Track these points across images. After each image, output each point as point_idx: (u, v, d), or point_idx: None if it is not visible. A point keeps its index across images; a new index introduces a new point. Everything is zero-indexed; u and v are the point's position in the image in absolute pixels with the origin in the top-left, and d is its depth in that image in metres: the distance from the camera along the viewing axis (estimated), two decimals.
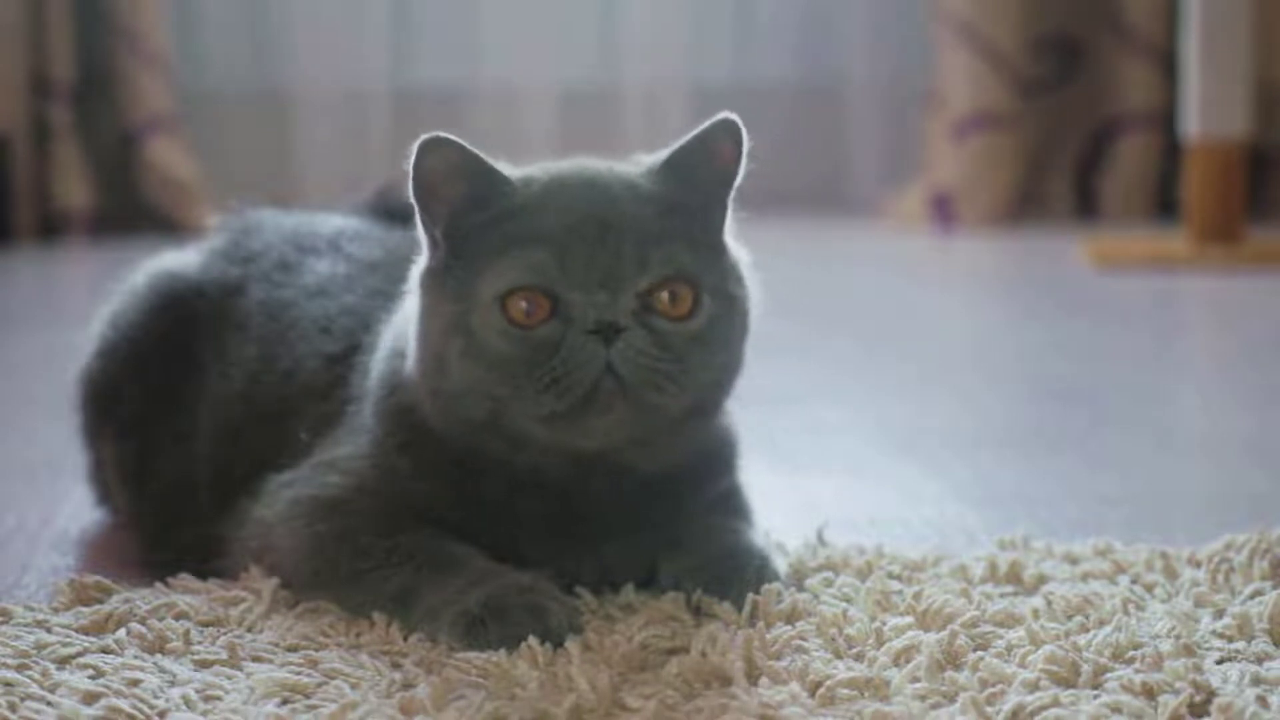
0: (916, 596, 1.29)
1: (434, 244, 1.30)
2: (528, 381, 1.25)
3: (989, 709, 1.09)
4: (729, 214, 1.33)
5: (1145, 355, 2.80)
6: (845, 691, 1.13)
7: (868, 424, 2.20)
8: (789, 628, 1.24)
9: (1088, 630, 1.23)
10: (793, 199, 4.87)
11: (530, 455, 1.29)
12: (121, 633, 1.24)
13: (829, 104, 5.10)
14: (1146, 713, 1.09)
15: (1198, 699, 1.10)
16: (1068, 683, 1.14)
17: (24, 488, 1.81)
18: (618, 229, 1.26)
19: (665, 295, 1.27)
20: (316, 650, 1.22)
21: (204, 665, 1.20)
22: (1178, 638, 1.21)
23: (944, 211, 4.63)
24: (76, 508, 1.68)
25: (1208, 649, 1.21)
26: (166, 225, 4.37)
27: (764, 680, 1.15)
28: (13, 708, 1.10)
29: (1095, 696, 1.11)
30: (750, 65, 5.09)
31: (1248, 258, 3.70)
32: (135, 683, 1.15)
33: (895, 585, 1.34)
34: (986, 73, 4.66)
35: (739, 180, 1.32)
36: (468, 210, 1.28)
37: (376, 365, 1.37)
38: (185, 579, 1.36)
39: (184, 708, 1.12)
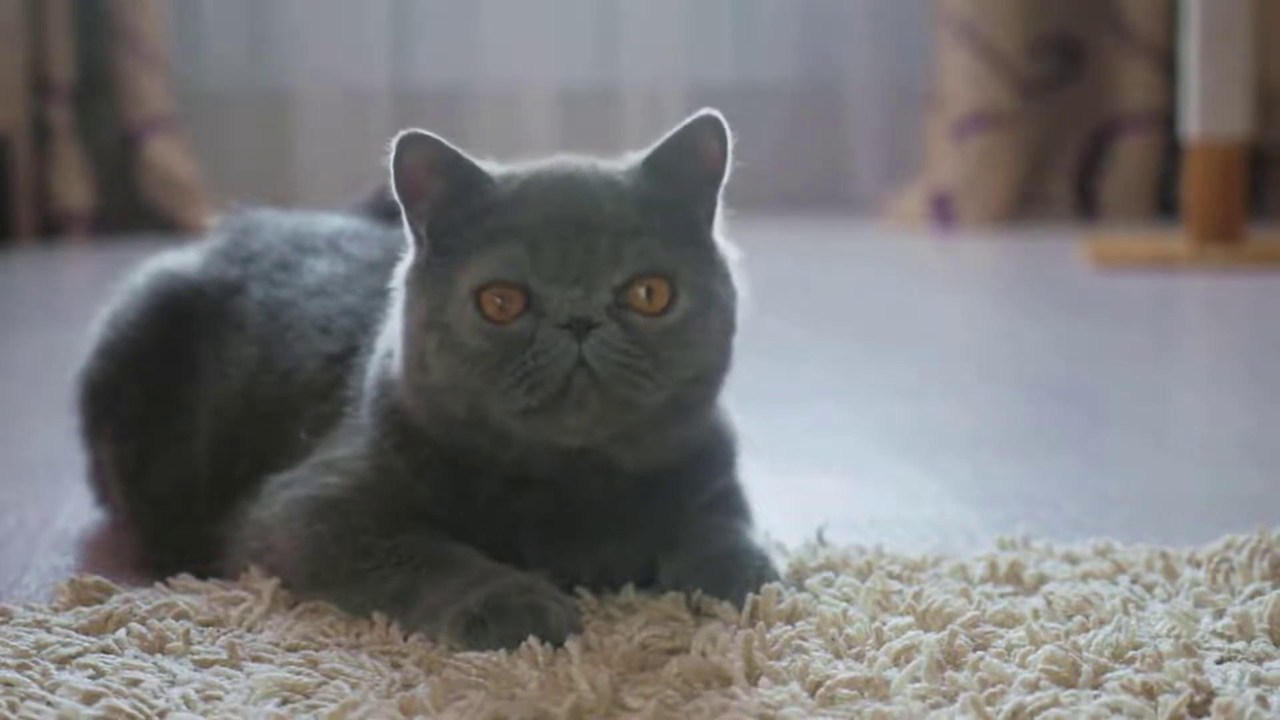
0: (916, 596, 1.29)
1: (419, 241, 1.31)
2: (501, 376, 1.25)
3: (989, 709, 1.09)
4: (717, 212, 1.33)
5: (1145, 355, 2.80)
6: (845, 691, 1.13)
7: (868, 424, 2.20)
8: (789, 628, 1.24)
9: (1088, 630, 1.23)
10: (793, 199, 4.87)
11: (515, 452, 1.29)
12: (121, 633, 1.24)
13: (829, 104, 5.10)
14: (1146, 713, 1.09)
15: (1198, 699, 1.10)
16: (1068, 683, 1.14)
17: (24, 488, 1.81)
18: (593, 224, 1.26)
19: (641, 291, 1.27)
20: (316, 650, 1.22)
21: (204, 665, 1.20)
22: (1178, 638, 1.21)
23: (944, 211, 4.63)
24: (76, 508, 1.68)
25: (1208, 649, 1.21)
26: (166, 225, 4.37)
27: (764, 680, 1.15)
28: (13, 708, 1.10)
29: (1095, 696, 1.11)
30: (750, 65, 5.09)
31: (1248, 258, 3.70)
32: (135, 683, 1.15)
33: (895, 585, 1.34)
34: (986, 73, 4.66)
35: (726, 177, 1.32)
36: (448, 206, 1.29)
37: (372, 366, 1.37)
38: (185, 579, 1.36)
39: (184, 708, 1.12)
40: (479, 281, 1.26)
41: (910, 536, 1.58)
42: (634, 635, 1.22)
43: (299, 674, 1.17)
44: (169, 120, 4.56)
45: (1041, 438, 2.11)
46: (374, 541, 1.30)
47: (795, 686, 1.14)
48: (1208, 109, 3.70)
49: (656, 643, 1.22)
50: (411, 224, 1.31)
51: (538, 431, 1.27)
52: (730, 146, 1.30)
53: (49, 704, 1.11)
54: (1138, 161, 4.72)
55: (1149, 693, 1.11)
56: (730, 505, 1.40)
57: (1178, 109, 4.14)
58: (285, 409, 1.42)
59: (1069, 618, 1.26)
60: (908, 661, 1.17)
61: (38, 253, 4.28)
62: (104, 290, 1.61)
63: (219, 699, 1.13)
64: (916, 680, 1.15)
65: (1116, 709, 1.09)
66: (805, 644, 1.21)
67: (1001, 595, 1.34)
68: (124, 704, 1.10)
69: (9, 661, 1.17)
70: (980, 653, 1.19)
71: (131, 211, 4.49)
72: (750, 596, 1.28)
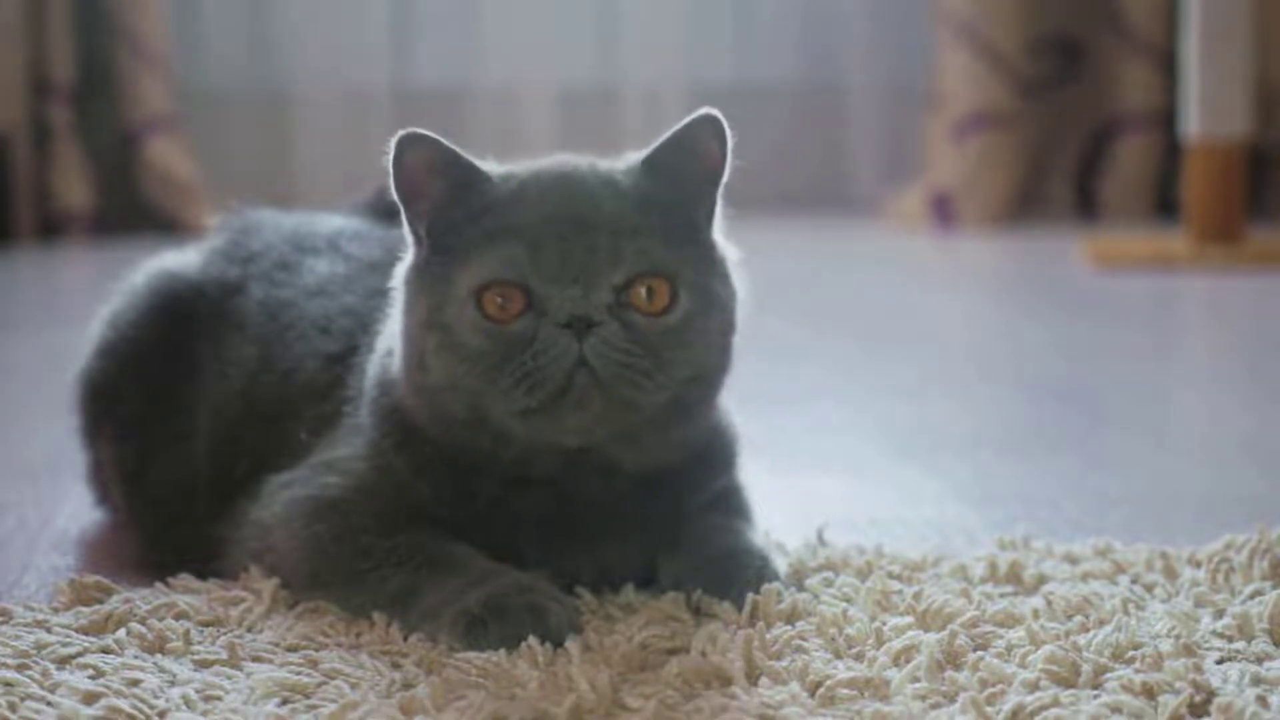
0: (916, 596, 1.29)
1: (418, 240, 1.31)
2: (501, 376, 1.25)
3: (989, 709, 1.09)
4: (717, 211, 1.33)
5: (1145, 355, 2.80)
6: (845, 691, 1.13)
7: (868, 424, 2.20)
8: (789, 628, 1.24)
9: (1088, 630, 1.23)
10: (793, 199, 4.87)
11: (515, 452, 1.29)
12: (121, 633, 1.24)
13: (829, 104, 5.10)
14: (1146, 713, 1.09)
15: (1198, 699, 1.10)
16: (1068, 683, 1.14)
17: (24, 488, 1.81)
18: (593, 224, 1.26)
19: (641, 290, 1.27)
20: (316, 650, 1.22)
21: (204, 665, 1.20)
22: (1178, 638, 1.21)
23: (944, 211, 4.63)
24: (76, 508, 1.68)
25: (1208, 649, 1.21)
26: (166, 225, 4.37)
27: (764, 680, 1.15)
28: (13, 708, 1.10)
29: (1095, 696, 1.11)
30: (750, 65, 5.09)
31: (1248, 258, 3.70)
32: (135, 683, 1.15)
33: (895, 585, 1.34)
34: (986, 73, 4.66)
35: (726, 176, 1.32)
36: (447, 206, 1.29)
37: (372, 365, 1.37)
38: (185, 579, 1.36)
39: (184, 708, 1.12)
40: (479, 281, 1.26)
41: (910, 536, 1.58)
42: (634, 635, 1.22)
43: (299, 674, 1.17)
44: (169, 120, 4.56)
45: (1041, 438, 2.11)
46: (374, 541, 1.30)
47: (795, 686, 1.14)
48: (1208, 109, 3.70)
49: (656, 643, 1.22)
50: (411, 224, 1.31)
51: (538, 431, 1.27)
52: (730, 146, 1.30)
53: (49, 704, 1.11)
54: (1138, 161, 4.72)
55: (1149, 693, 1.11)
56: (730, 505, 1.40)
57: (1178, 109, 4.14)
58: (285, 409, 1.42)
59: (1069, 618, 1.26)
60: (908, 661, 1.17)
61: (38, 253, 4.28)
62: (104, 290, 1.61)
63: (219, 699, 1.13)
64: (916, 680, 1.15)
65: (1116, 709, 1.09)
66: (805, 644, 1.21)
67: (1001, 595, 1.34)
68: (124, 704, 1.10)
69: (9, 661, 1.17)
70: (980, 653, 1.19)
71: (131, 211, 4.49)
72: (750, 596, 1.28)
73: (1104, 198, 4.74)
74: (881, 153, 5.09)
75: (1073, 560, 1.43)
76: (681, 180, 1.31)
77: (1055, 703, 1.10)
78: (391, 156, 1.28)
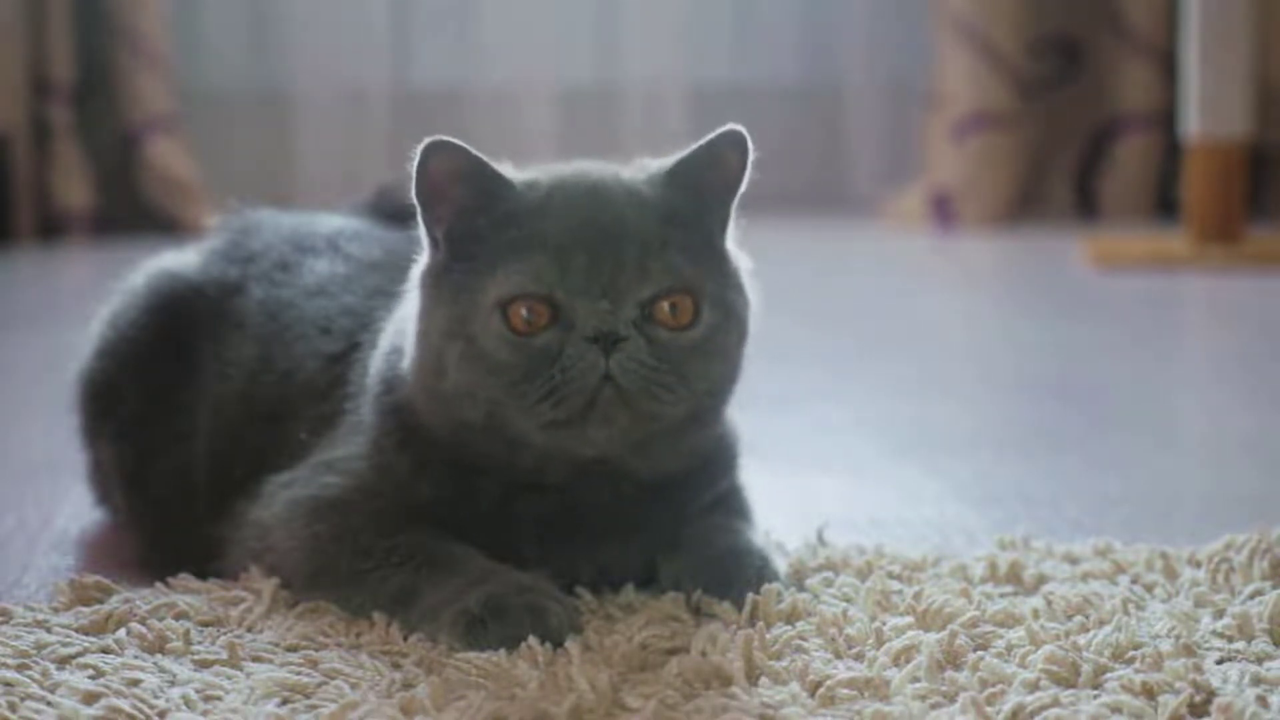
0: (916, 596, 1.29)
1: (435, 245, 1.30)
2: (527, 389, 1.25)
3: (989, 709, 1.09)
4: (731, 221, 1.33)
5: (1145, 355, 2.80)
6: (845, 691, 1.13)
7: (868, 424, 2.20)
8: (789, 628, 1.24)
9: (1088, 630, 1.23)
10: (793, 199, 4.87)
11: (529, 460, 1.29)
12: (121, 633, 1.24)
13: (829, 104, 5.10)
14: (1146, 713, 1.09)
15: (1198, 699, 1.10)
16: (1068, 683, 1.14)
17: (24, 488, 1.81)
18: (620, 238, 1.26)
19: (666, 305, 1.27)
20: (316, 650, 1.22)
21: (204, 665, 1.20)
22: (1178, 638, 1.21)
23: (944, 211, 4.63)
24: (76, 508, 1.68)
25: (1208, 649, 1.21)
26: (166, 225, 4.37)
27: (764, 680, 1.15)
28: (13, 708, 1.10)
29: (1095, 696, 1.11)
30: (750, 65, 5.09)
31: (1248, 258, 3.70)
32: (135, 683, 1.15)
33: (895, 585, 1.34)
34: (986, 73, 4.66)
35: (742, 189, 1.32)
36: (470, 213, 1.28)
37: (375, 363, 1.37)
38: (185, 579, 1.36)
39: (184, 708, 1.12)
40: (506, 294, 1.26)
41: (910, 536, 1.58)
42: (634, 635, 1.22)
43: (299, 674, 1.17)
44: (169, 120, 4.56)
45: (1041, 438, 2.11)
46: (374, 541, 1.30)
47: (795, 686, 1.14)
48: (1208, 109, 3.70)
49: (656, 643, 1.22)
50: (428, 227, 1.30)
51: (559, 443, 1.27)
52: (750, 160, 1.31)
53: (49, 704, 1.11)
54: (1138, 161, 4.72)
55: (1149, 693, 1.11)
56: (731, 506, 1.40)
57: (1178, 109, 4.14)
58: (285, 409, 1.42)
59: (1069, 618, 1.26)
60: (908, 661, 1.17)
61: (38, 253, 4.28)
62: (104, 290, 1.61)
63: (219, 699, 1.13)
64: (916, 680, 1.15)
65: (1116, 709, 1.09)
66: (805, 644, 1.21)
67: (1001, 595, 1.34)
68: (124, 704, 1.10)
69: (9, 661, 1.17)
70: (980, 653, 1.19)
71: (131, 211, 4.49)
72: (750, 596, 1.28)
73: (1104, 198, 4.74)
74: (881, 153, 5.09)
75: (1073, 560, 1.43)
76: (703, 193, 1.31)
77: (1055, 703, 1.10)
78: (416, 161, 1.27)
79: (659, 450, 1.31)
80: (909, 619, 1.26)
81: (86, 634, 1.25)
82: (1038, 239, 4.40)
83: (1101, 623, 1.24)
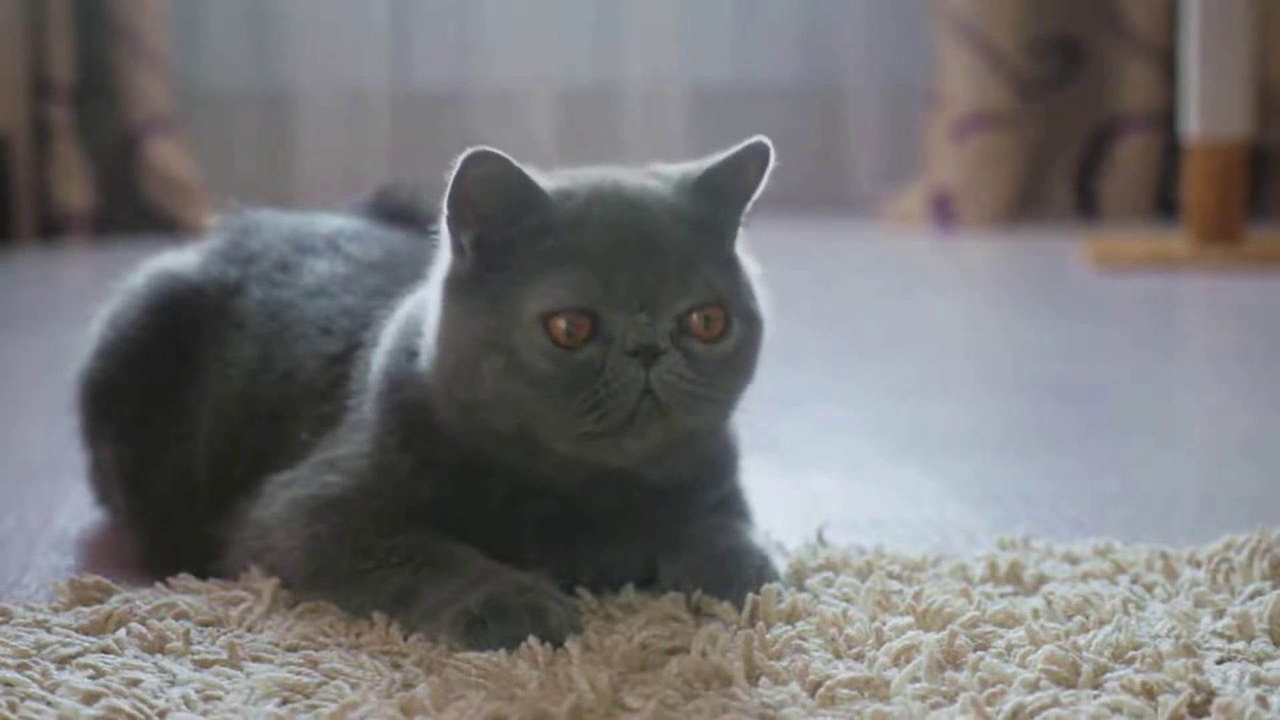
0: (916, 596, 1.29)
1: (460, 251, 1.29)
2: (569, 402, 1.25)
3: (989, 709, 1.09)
4: (740, 228, 1.34)
5: (1145, 355, 2.80)
6: (845, 691, 1.13)
7: (868, 424, 2.20)
8: (789, 628, 1.24)
9: (1088, 630, 1.23)
10: (793, 199, 4.86)
11: (546, 466, 1.29)
12: (121, 633, 1.24)
13: (829, 104, 5.10)
14: (1146, 713, 1.09)
15: (1198, 699, 1.10)
16: (1068, 683, 1.14)
17: (24, 488, 1.81)
18: (659, 250, 1.27)
19: (699, 318, 1.27)
20: (316, 650, 1.22)
21: (204, 665, 1.20)
22: (1178, 638, 1.21)
23: (944, 211, 4.63)
24: (76, 508, 1.68)
25: (1208, 649, 1.21)
26: (166, 225, 4.37)
27: (764, 680, 1.15)
28: (13, 708, 1.10)
29: (1095, 696, 1.11)
30: (750, 65, 5.09)
31: (1248, 258, 3.70)
32: (135, 683, 1.15)
33: (895, 585, 1.34)
34: (986, 73, 4.66)
35: (756, 196, 1.33)
36: (504, 222, 1.27)
37: (378, 361, 1.36)
38: (185, 579, 1.36)
39: (184, 708, 1.12)
40: (550, 307, 1.25)
41: (910, 536, 1.58)
42: (634, 635, 1.22)
43: (299, 674, 1.17)
44: (169, 120, 4.56)
45: (1041, 438, 2.11)
46: (374, 541, 1.30)
47: (795, 686, 1.14)
48: (1208, 109, 3.70)
49: (656, 643, 1.22)
50: (454, 233, 1.29)
51: (588, 453, 1.27)
52: (768, 171, 1.31)
53: (49, 704, 1.11)
54: (1138, 161, 4.72)
55: (1149, 693, 1.11)
56: (731, 506, 1.40)
57: (1178, 109, 4.14)
58: (285, 409, 1.42)
59: (1069, 618, 1.27)
60: (908, 661, 1.18)
61: (38, 253, 4.28)
62: (104, 290, 1.61)
63: (219, 699, 1.13)
64: (916, 680, 1.15)
65: (1116, 709, 1.09)
66: (805, 644, 1.21)
67: (1001, 595, 1.34)
68: (124, 704, 1.10)
69: (9, 661, 1.17)
70: (980, 653, 1.19)
71: (131, 211, 4.49)
72: (750, 596, 1.28)
73: (1104, 198, 4.74)
74: (881, 153, 5.09)
75: (1073, 560, 1.43)
76: (725, 202, 1.32)
77: (1055, 703, 1.10)
78: (456, 170, 1.26)
79: (675, 458, 1.31)
80: (909, 619, 1.26)
81: (86, 634, 1.25)
82: (1038, 239, 4.40)
83: (1101, 623, 1.24)
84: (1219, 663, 1.19)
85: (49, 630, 1.25)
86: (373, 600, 1.28)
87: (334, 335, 1.44)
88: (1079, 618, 1.26)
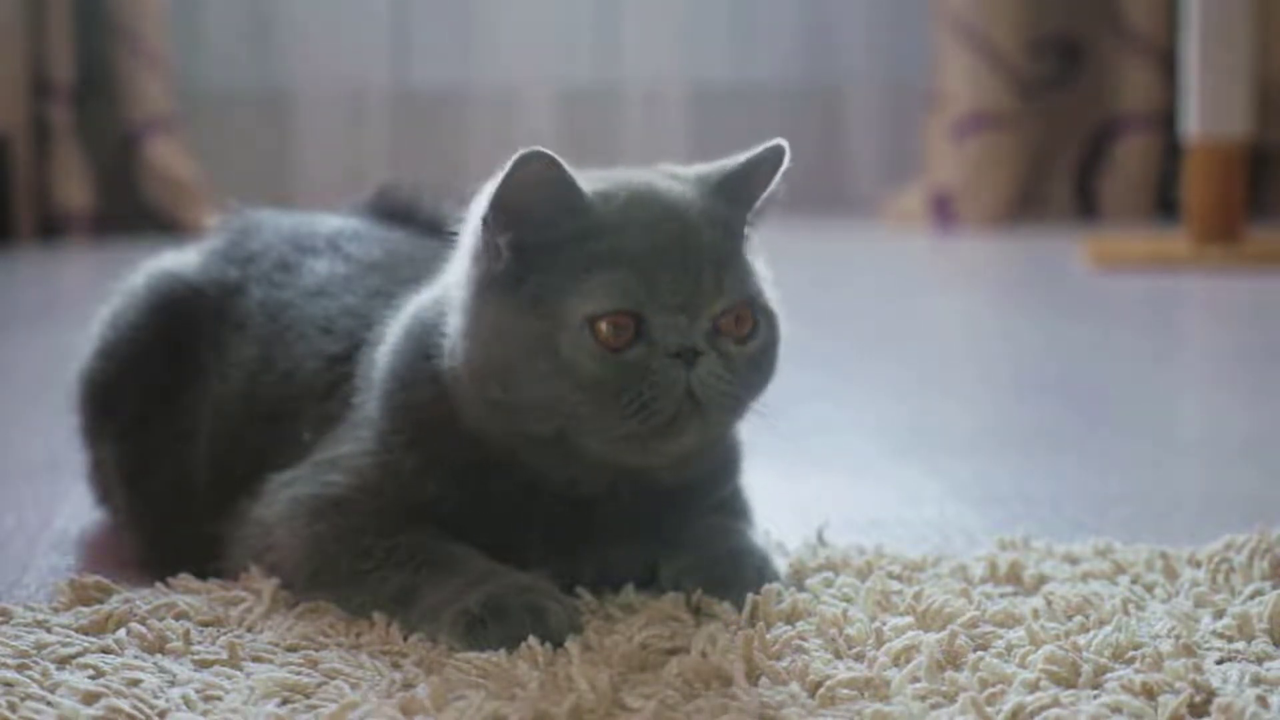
0: (916, 596, 1.29)
1: (495, 252, 1.28)
2: (615, 404, 1.25)
3: (989, 709, 1.09)
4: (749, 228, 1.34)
5: (1145, 355, 2.80)
6: (845, 691, 1.13)
7: (868, 424, 2.20)
8: (789, 628, 1.24)
9: (1088, 630, 1.23)
10: (792, 199, 4.86)
11: (576, 468, 1.29)
12: (121, 633, 1.24)
13: (829, 104, 5.10)
14: (1146, 713, 1.09)
15: (1198, 699, 1.10)
16: (1068, 683, 1.14)
17: (24, 488, 1.81)
18: (697, 252, 1.27)
19: (731, 319, 1.28)
20: (316, 650, 1.22)
21: (204, 665, 1.20)
22: (1178, 638, 1.21)
23: (944, 211, 4.63)
24: (76, 508, 1.68)
25: (1208, 649, 1.21)
26: (166, 225, 4.37)
27: (764, 680, 1.15)
28: (13, 708, 1.10)
29: (1095, 696, 1.11)
30: (750, 65, 5.09)
31: (1248, 258, 3.70)
32: (135, 683, 1.15)
33: (895, 585, 1.34)
34: (986, 73, 4.66)
35: (764, 197, 1.34)
36: (545, 226, 1.27)
37: (384, 361, 1.36)
38: (185, 579, 1.36)
39: (184, 708, 1.12)
40: (597, 310, 1.25)
41: (910, 536, 1.58)
42: (634, 635, 1.22)
43: (299, 674, 1.17)
44: (169, 120, 4.56)
45: (1041, 438, 2.11)
46: (374, 541, 1.30)
47: (795, 687, 1.14)
48: (1208, 109, 3.70)
49: (656, 643, 1.22)
50: (491, 233, 1.28)
51: (626, 455, 1.27)
52: (781, 174, 1.33)
53: (49, 704, 1.11)
54: (1138, 161, 4.72)
55: (1149, 693, 1.11)
56: (731, 506, 1.40)
57: (1178, 109, 4.14)
58: (286, 410, 1.42)
59: (1069, 618, 1.26)
60: (908, 661, 1.17)
61: (38, 253, 4.28)
62: (104, 290, 1.61)
63: (219, 699, 1.13)
64: (916, 680, 1.15)
65: (1116, 709, 1.09)
66: (805, 644, 1.21)
67: (1001, 595, 1.34)
68: (124, 704, 1.10)
69: (9, 661, 1.17)
70: (980, 653, 1.19)
71: (131, 211, 4.50)
72: (750, 596, 1.28)
73: (1104, 198, 4.74)
74: (881, 153, 5.09)
75: (1073, 560, 1.43)
76: (743, 204, 1.33)
77: (1055, 703, 1.10)
78: (507, 170, 1.25)
79: (700, 459, 1.32)
80: (909, 619, 1.26)
81: (86, 634, 1.25)
82: (1038, 239, 4.41)
83: (1101, 623, 1.24)
84: (1219, 663, 1.19)
85: (49, 630, 1.25)
86: (373, 600, 1.28)
87: (335, 335, 1.44)
88: (1079, 618, 1.26)
